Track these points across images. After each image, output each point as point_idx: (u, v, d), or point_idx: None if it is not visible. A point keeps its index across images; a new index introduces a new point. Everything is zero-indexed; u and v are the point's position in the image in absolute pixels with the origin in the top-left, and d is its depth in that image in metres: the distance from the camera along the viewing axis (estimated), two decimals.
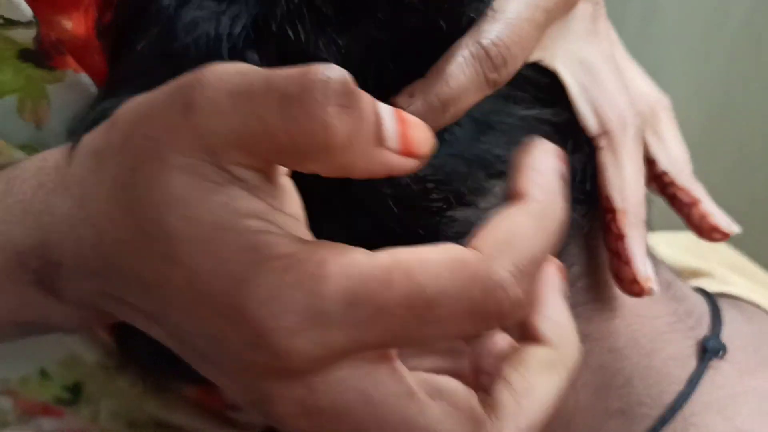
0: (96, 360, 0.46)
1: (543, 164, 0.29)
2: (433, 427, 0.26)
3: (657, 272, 0.39)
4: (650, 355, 0.37)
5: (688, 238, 0.53)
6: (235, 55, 0.31)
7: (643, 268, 0.35)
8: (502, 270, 0.25)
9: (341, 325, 0.24)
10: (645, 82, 0.41)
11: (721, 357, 0.37)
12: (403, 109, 0.27)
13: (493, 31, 0.32)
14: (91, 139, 0.30)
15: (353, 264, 0.25)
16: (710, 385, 0.36)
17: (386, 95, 0.31)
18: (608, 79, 0.36)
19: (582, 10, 0.36)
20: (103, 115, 0.32)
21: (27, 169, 0.32)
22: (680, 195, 0.39)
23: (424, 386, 0.26)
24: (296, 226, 0.27)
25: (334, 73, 0.24)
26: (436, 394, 0.26)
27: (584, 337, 0.37)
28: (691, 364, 0.37)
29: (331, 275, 0.24)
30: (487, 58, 0.32)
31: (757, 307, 0.43)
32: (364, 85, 0.25)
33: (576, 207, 0.35)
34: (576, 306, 0.37)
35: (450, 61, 0.32)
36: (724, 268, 0.49)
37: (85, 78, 0.36)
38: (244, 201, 0.25)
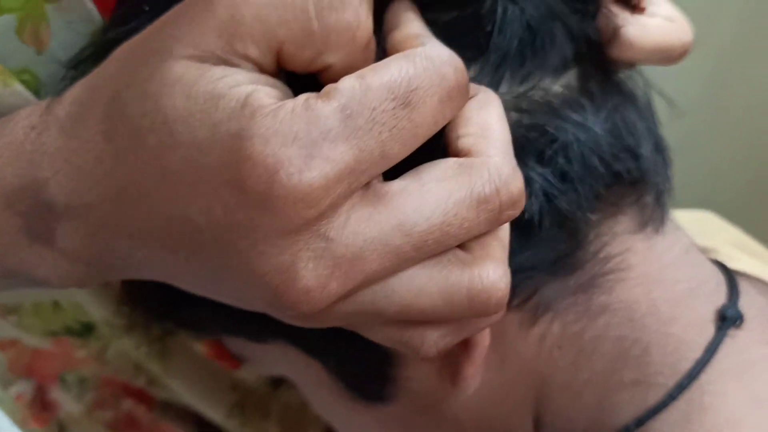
0: (103, 318, 0.45)
1: None
2: None
3: (677, 237, 0.38)
4: (670, 323, 0.36)
5: (692, 217, 0.53)
6: None
7: None
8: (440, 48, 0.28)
9: (344, 137, 0.25)
10: None
11: (739, 326, 0.36)
12: None
13: None
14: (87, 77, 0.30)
15: (338, 89, 0.26)
16: (727, 352, 0.36)
17: None
18: None
19: None
20: (110, 46, 0.30)
21: (19, 113, 0.31)
22: None
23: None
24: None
25: None
26: None
27: (603, 308, 0.36)
28: (709, 331, 0.36)
29: (322, 101, 0.26)
30: None
31: (765, 284, 0.42)
32: None
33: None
34: (596, 277, 0.36)
35: None
36: (730, 247, 0.48)
37: (87, 2, 0.34)
38: (241, 75, 0.26)
